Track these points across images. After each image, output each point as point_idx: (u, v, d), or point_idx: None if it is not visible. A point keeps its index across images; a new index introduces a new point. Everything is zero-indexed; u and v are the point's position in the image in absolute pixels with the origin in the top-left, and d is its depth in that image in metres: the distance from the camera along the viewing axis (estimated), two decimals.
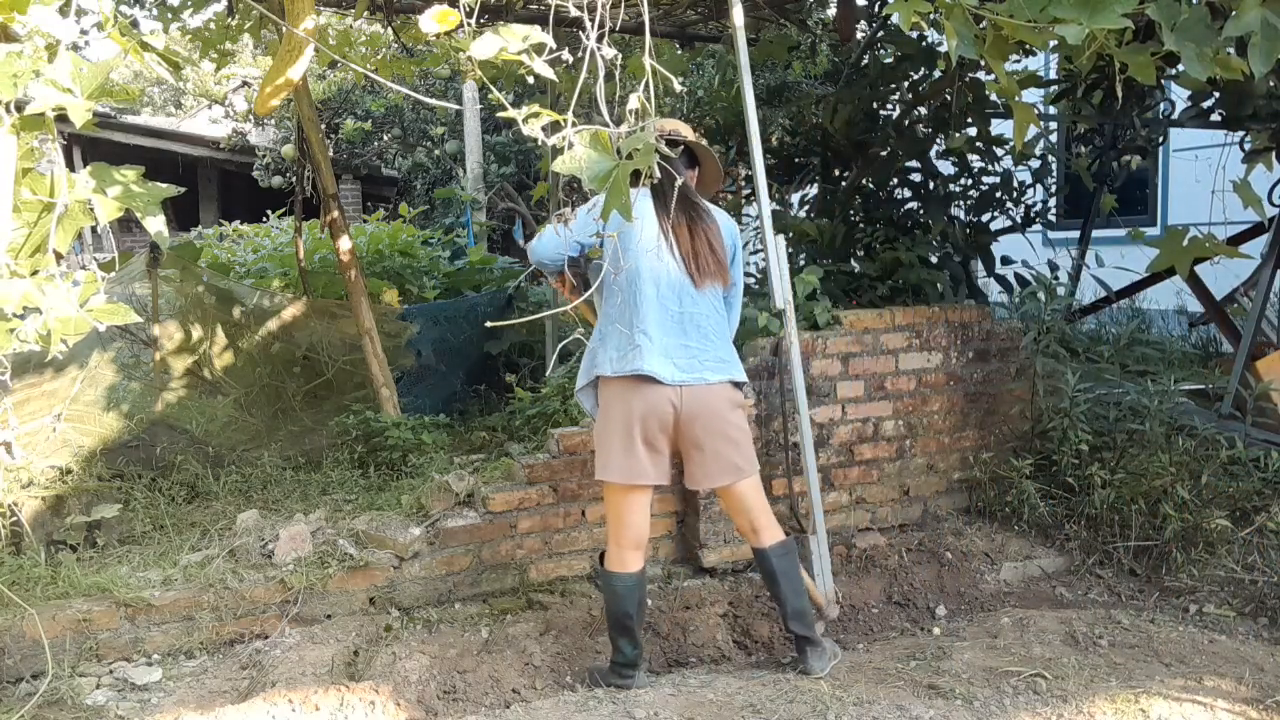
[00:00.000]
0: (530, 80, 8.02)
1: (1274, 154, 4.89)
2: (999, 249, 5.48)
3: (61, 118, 1.94)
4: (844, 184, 5.65)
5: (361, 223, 8.31)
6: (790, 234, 5.35)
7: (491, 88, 2.19)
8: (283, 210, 9.42)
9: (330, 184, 4.89)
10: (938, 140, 5.35)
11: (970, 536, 4.24)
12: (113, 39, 1.97)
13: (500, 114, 2.00)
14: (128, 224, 12.98)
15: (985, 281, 5.65)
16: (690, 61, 7.68)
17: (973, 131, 5.18)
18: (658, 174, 2.51)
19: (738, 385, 3.12)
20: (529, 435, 4.84)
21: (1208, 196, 5.29)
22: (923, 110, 5.39)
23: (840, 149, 5.63)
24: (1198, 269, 5.03)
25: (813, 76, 6.87)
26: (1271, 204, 4.95)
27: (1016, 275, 5.44)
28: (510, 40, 1.88)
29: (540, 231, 3.13)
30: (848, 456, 4.31)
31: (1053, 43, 2.86)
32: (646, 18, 2.19)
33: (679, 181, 2.62)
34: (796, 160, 6.18)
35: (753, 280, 6.21)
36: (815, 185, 6.01)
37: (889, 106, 5.65)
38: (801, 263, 5.25)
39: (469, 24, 2.00)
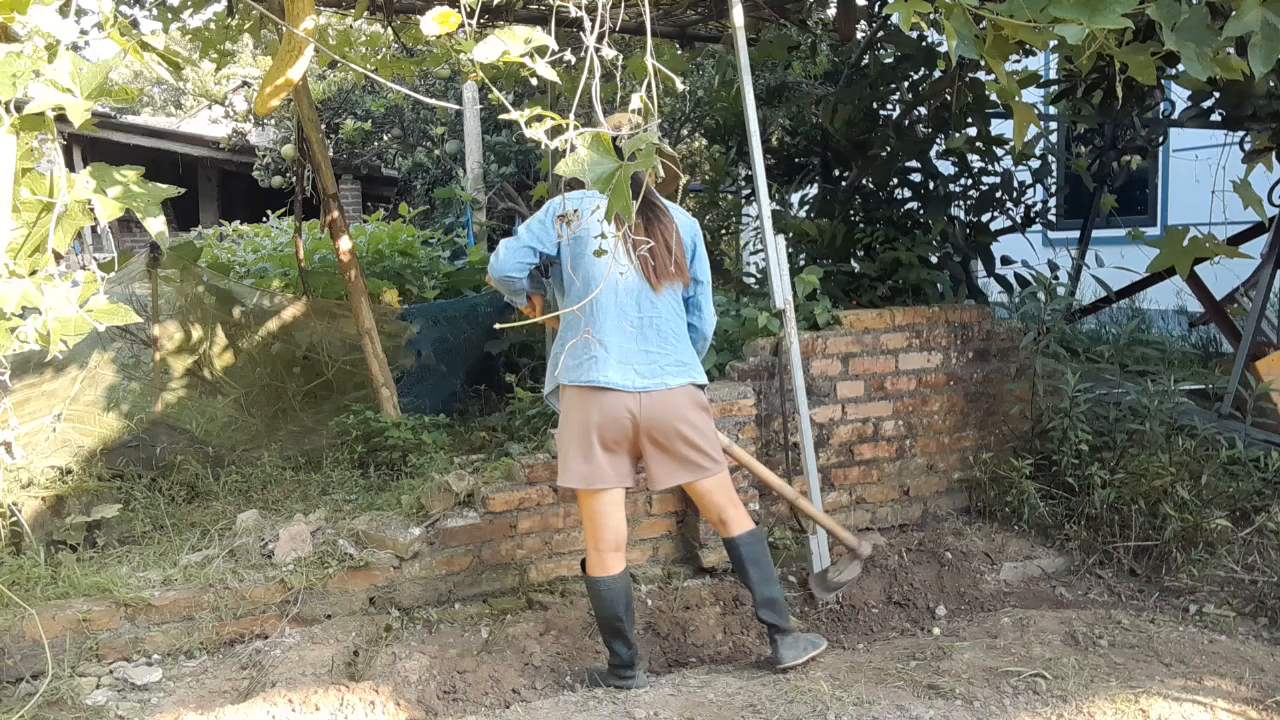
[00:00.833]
0: (532, 81, 8.03)
1: (1274, 154, 4.89)
2: (999, 249, 5.48)
3: (61, 118, 1.94)
4: (844, 184, 5.66)
5: (361, 223, 8.31)
6: (790, 234, 5.36)
7: (492, 88, 2.19)
8: (283, 210, 9.43)
9: (330, 184, 4.88)
10: (938, 140, 5.35)
11: (970, 536, 4.24)
12: (113, 39, 1.97)
13: (502, 116, 2.00)
14: (128, 224, 13.00)
15: (985, 281, 5.65)
16: (690, 61, 7.68)
17: (973, 131, 5.18)
18: (661, 174, 2.50)
19: (699, 386, 3.11)
20: (529, 435, 4.83)
21: (1208, 196, 5.29)
22: (923, 110, 5.39)
23: (840, 149, 5.63)
24: (1198, 269, 5.03)
25: (813, 76, 6.87)
26: (1271, 204, 4.95)
27: (1016, 275, 5.44)
28: (512, 43, 1.87)
29: (495, 251, 3.08)
30: (848, 456, 4.31)
31: (1053, 43, 2.86)
32: (647, 18, 2.19)
33: (644, 184, 2.58)
34: (796, 160, 6.18)
35: (753, 280, 6.22)
36: (815, 185, 6.01)
37: (889, 106, 5.65)
38: (801, 263, 5.26)
39: (469, 25, 2.00)
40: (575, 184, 3.17)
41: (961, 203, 5.47)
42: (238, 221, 9.90)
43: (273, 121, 12.78)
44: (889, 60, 5.59)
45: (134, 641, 3.28)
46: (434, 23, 1.92)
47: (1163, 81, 5.04)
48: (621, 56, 2.05)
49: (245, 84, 13.92)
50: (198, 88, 16.75)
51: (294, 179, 5.96)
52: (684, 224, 3.17)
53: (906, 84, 5.45)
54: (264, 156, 12.81)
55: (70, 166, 2.10)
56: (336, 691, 2.92)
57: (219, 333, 5.00)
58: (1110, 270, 5.74)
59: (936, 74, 5.24)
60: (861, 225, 5.46)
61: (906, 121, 5.39)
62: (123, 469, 4.41)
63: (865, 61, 5.68)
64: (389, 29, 6.73)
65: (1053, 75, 6.17)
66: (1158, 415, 4.14)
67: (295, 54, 3.67)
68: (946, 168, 5.45)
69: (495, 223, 10.46)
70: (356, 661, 3.27)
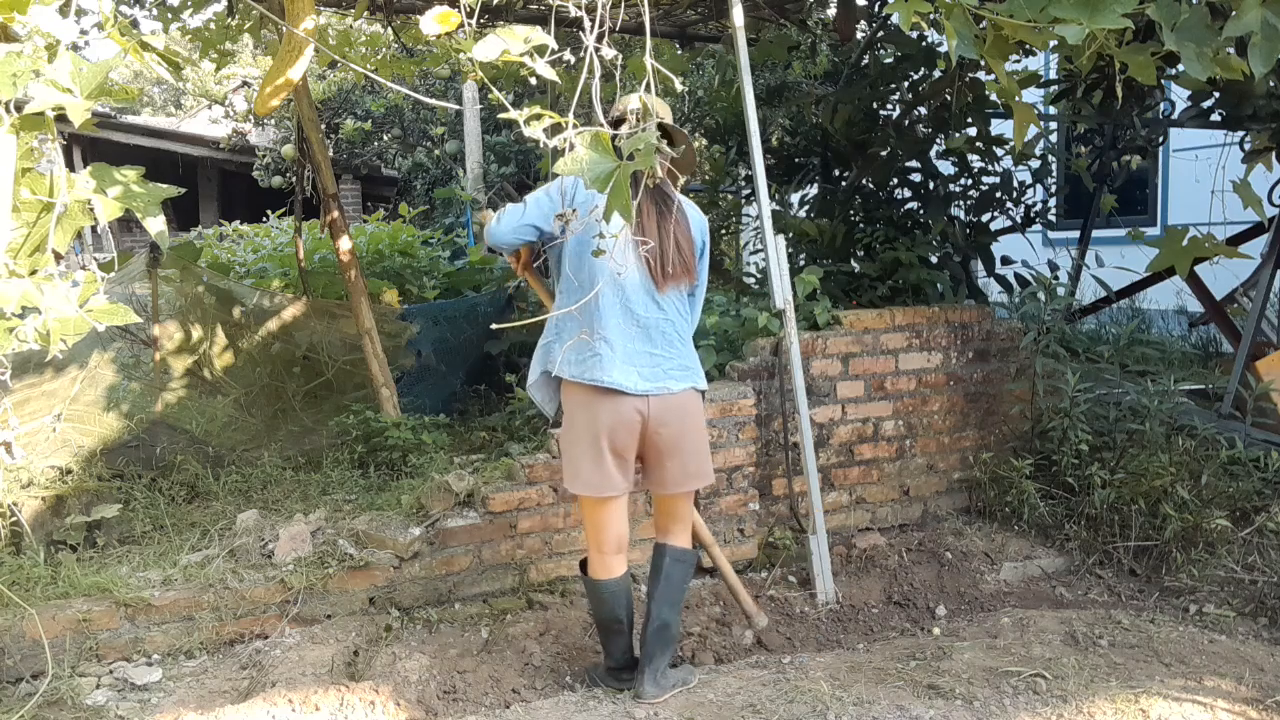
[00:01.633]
0: (532, 81, 8.03)
1: (1274, 154, 4.89)
2: (999, 249, 5.48)
3: (61, 117, 1.94)
4: (844, 184, 5.66)
5: (361, 223, 8.31)
6: (790, 234, 5.36)
7: (492, 88, 2.19)
8: (283, 210, 9.43)
9: (330, 184, 4.88)
10: (938, 140, 5.35)
11: (970, 536, 4.24)
12: (113, 39, 1.97)
13: (501, 115, 2.00)
14: (128, 224, 12.99)
15: (985, 281, 5.65)
16: (690, 61, 7.68)
17: (973, 131, 5.18)
18: (660, 173, 2.49)
19: (701, 393, 3.02)
20: (529, 435, 4.83)
21: (1208, 196, 5.29)
22: (923, 110, 5.39)
23: (840, 149, 5.63)
24: (1198, 269, 5.04)
25: (813, 76, 6.88)
26: (1271, 204, 4.95)
27: (1016, 275, 5.44)
28: (512, 42, 1.87)
29: (499, 213, 2.95)
30: (848, 456, 4.31)
31: (1053, 43, 2.86)
32: (647, 18, 2.19)
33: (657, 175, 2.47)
34: (796, 160, 6.18)
35: (753, 280, 6.22)
36: (815, 185, 6.01)
37: (889, 106, 5.65)
38: (801, 263, 5.26)
39: (469, 25, 2.00)
40: None
41: (961, 203, 5.47)
42: (238, 221, 9.90)
43: (273, 121, 12.79)
44: (889, 60, 5.59)
45: (134, 641, 3.28)
46: (434, 23, 1.92)
47: (1163, 81, 5.04)
48: (621, 56, 2.05)
49: (245, 84, 13.92)
50: (198, 88, 16.75)
51: (294, 179, 5.96)
52: (695, 220, 3.01)
53: (906, 84, 5.45)
54: (264, 156, 12.82)
55: (70, 166, 2.10)
56: (336, 691, 2.92)
57: (219, 333, 4.99)
58: (1110, 270, 5.75)
59: (936, 74, 5.24)
60: (861, 225, 5.46)
61: (906, 121, 5.39)
62: (123, 469, 4.41)
63: (865, 61, 5.68)
64: (389, 29, 6.73)
65: (1053, 75, 6.17)
66: (1158, 415, 4.14)
67: (295, 54, 3.67)
68: (946, 168, 5.45)
69: None
70: (356, 661, 3.27)
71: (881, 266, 5.02)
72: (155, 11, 5.65)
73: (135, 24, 5.23)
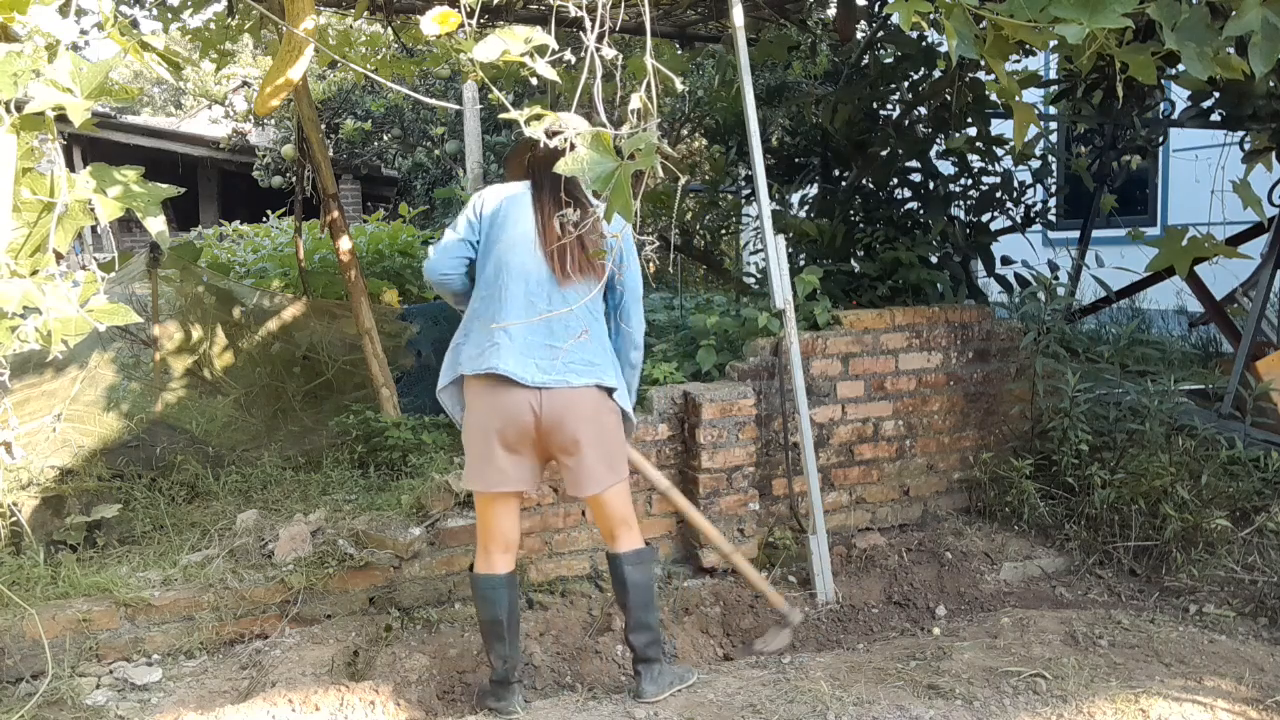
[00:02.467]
0: (533, 81, 8.03)
1: (1274, 154, 4.89)
2: (999, 249, 5.48)
3: (61, 117, 1.94)
4: (844, 184, 5.66)
5: (361, 223, 8.31)
6: (790, 234, 5.36)
7: (492, 88, 2.19)
8: (283, 210, 9.43)
9: (330, 184, 4.88)
10: (938, 140, 5.35)
11: (970, 536, 4.24)
12: (113, 39, 1.97)
13: (502, 115, 2.00)
14: (128, 224, 12.99)
15: (985, 281, 5.65)
16: (690, 61, 7.68)
17: (973, 131, 5.18)
18: (660, 173, 2.49)
19: (609, 391, 2.93)
20: None
21: (1208, 196, 5.29)
22: (923, 110, 5.39)
23: (840, 149, 5.63)
24: (1198, 269, 5.03)
25: (813, 76, 6.88)
26: (1271, 204, 4.95)
27: (1016, 275, 5.44)
28: (512, 43, 1.87)
29: (431, 248, 3.00)
30: (848, 456, 4.31)
31: (1053, 43, 2.85)
32: (647, 18, 2.19)
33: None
34: (796, 160, 6.18)
35: (753, 280, 6.22)
36: (815, 185, 6.01)
37: (889, 106, 5.65)
38: (801, 263, 5.26)
39: (469, 25, 2.00)
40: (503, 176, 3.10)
41: (961, 203, 5.47)
42: (238, 221, 9.90)
43: (273, 121, 12.79)
44: (889, 60, 5.59)
45: (134, 641, 3.28)
46: (434, 23, 1.92)
47: (1163, 81, 5.04)
48: (621, 56, 2.05)
49: (245, 84, 13.92)
50: (198, 88, 16.74)
51: (294, 179, 5.96)
52: (615, 226, 2.89)
53: (906, 84, 5.45)
54: (264, 156, 12.82)
55: (70, 166, 2.10)
56: (336, 691, 2.92)
57: (219, 333, 4.99)
58: (1110, 270, 5.75)
59: (936, 74, 5.24)
60: (861, 225, 5.46)
61: (906, 121, 5.39)
62: (123, 469, 4.41)
63: (865, 61, 5.67)
64: (389, 29, 6.73)
65: (1053, 75, 6.17)
66: (1158, 415, 4.14)
67: (295, 54, 3.67)
68: (946, 168, 5.45)
69: None
70: (356, 661, 3.27)
71: (881, 266, 5.02)
72: (155, 11, 5.65)
73: (135, 24, 5.22)
